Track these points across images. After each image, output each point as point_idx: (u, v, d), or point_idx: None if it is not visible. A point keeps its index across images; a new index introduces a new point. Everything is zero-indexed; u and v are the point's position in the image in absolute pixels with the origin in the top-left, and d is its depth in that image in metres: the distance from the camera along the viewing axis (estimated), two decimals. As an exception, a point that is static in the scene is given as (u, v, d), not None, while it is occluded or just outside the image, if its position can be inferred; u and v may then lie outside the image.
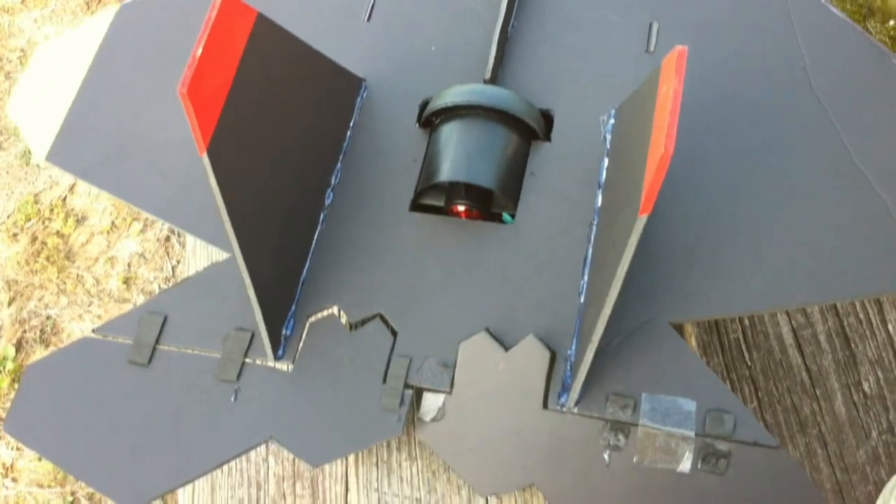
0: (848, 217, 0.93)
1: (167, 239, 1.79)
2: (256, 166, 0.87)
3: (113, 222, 1.81)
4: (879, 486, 1.07)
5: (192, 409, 0.90)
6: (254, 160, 0.86)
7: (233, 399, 0.90)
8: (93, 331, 0.94)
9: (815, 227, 0.93)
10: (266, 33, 0.88)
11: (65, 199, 1.85)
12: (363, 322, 0.93)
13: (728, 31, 1.05)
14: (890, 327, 1.19)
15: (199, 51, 0.77)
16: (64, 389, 0.92)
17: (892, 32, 1.93)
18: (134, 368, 0.92)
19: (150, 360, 0.92)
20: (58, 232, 1.80)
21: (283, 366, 0.91)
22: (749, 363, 1.18)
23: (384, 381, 0.89)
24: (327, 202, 0.99)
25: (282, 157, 0.92)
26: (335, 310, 0.94)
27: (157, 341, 0.93)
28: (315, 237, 0.97)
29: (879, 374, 1.16)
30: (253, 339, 0.92)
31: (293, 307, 0.94)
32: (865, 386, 1.15)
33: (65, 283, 1.75)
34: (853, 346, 1.18)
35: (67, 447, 0.90)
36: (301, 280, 0.95)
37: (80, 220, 1.82)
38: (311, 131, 0.98)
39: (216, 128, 0.79)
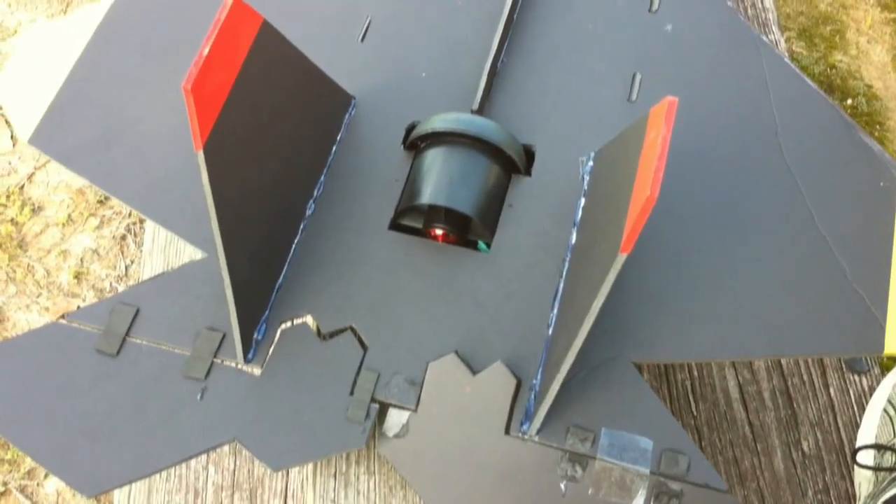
0: (807, 279, 0.97)
1: (123, 238, 1.77)
2: (247, 168, 0.88)
3: (69, 216, 1.79)
4: (812, 543, 1.10)
5: (156, 404, 0.89)
6: (244, 162, 0.87)
7: (199, 397, 0.90)
8: (62, 317, 0.94)
9: (775, 285, 0.96)
10: (269, 40, 0.89)
11: (23, 187, 1.83)
12: (335, 333, 0.93)
13: (706, 90, 1.09)
14: (831, 391, 1.22)
15: (207, 49, 0.78)
16: (28, 372, 0.91)
17: (849, 111, 2.00)
18: (101, 358, 0.92)
19: (118, 351, 0.92)
20: (12, 219, 1.78)
21: (252, 369, 0.91)
22: (695, 413, 1.20)
23: (351, 392, 0.90)
24: (308, 212, 1.00)
25: (271, 161, 0.93)
26: (308, 319, 0.94)
27: (127, 332, 0.92)
28: (294, 245, 0.98)
29: (819, 435, 1.19)
30: (224, 340, 0.92)
31: (267, 312, 0.94)
32: (805, 445, 1.18)
33: (15, 271, 1.72)
34: (795, 405, 1.21)
35: (27, 429, 0.88)
36: (277, 286, 0.95)
37: (35, 210, 1.80)
38: (299, 141, 0.99)
39: (214, 126, 0.80)
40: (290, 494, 1.15)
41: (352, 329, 0.93)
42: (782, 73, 1.10)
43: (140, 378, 0.91)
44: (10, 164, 1.85)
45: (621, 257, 0.74)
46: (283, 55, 0.93)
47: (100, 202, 1.79)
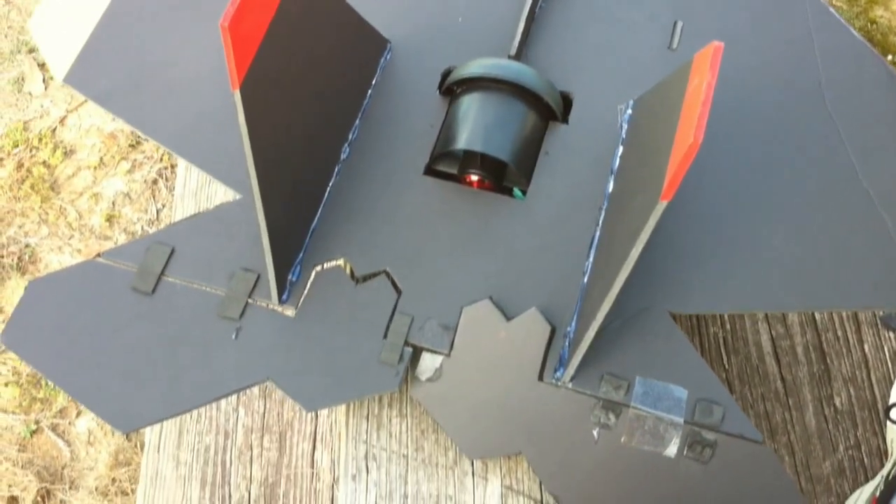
0: (848, 232, 0.95)
1: (154, 182, 1.78)
2: (282, 110, 0.87)
3: (101, 159, 1.80)
4: (842, 498, 1.10)
5: (191, 343, 0.90)
6: (280, 103, 0.86)
7: (233, 337, 0.90)
8: (98, 255, 0.94)
9: (815, 238, 0.95)
10: None
11: (55, 130, 1.83)
12: (369, 277, 0.93)
13: (749, 40, 1.07)
14: (866, 347, 1.21)
15: (245, -14, 0.77)
16: (64, 308, 0.92)
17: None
18: (137, 296, 0.92)
19: (153, 290, 0.92)
20: (44, 162, 1.78)
21: (287, 310, 0.92)
22: (726, 366, 1.20)
23: (385, 336, 0.90)
24: (343, 156, 1.00)
25: (306, 104, 0.92)
26: (342, 262, 0.94)
27: (162, 272, 0.93)
28: (328, 189, 0.98)
29: (852, 391, 1.18)
30: (258, 281, 0.92)
31: (301, 254, 0.94)
32: (837, 401, 1.18)
33: (47, 213, 1.73)
34: (829, 361, 1.21)
35: (62, 364, 0.89)
36: (311, 229, 0.95)
37: (67, 153, 1.80)
38: (335, 84, 0.98)
39: (250, 66, 0.79)
40: (318, 437, 1.16)
41: (386, 273, 0.93)
42: (827, 24, 1.08)
43: (175, 316, 0.91)
44: (42, 106, 1.85)
45: (662, 204, 0.74)
46: (321, -5, 0.92)
47: (131, 146, 1.79)
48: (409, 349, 0.89)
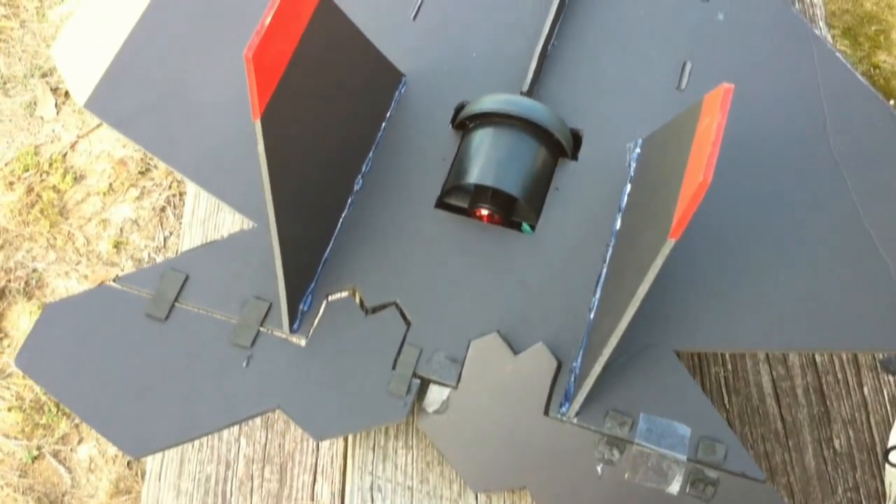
0: (850, 274, 0.97)
1: (163, 209, 1.79)
2: (300, 141, 0.88)
3: (111, 185, 1.81)
4: (840, 540, 1.10)
5: (203, 369, 0.91)
6: (298, 134, 0.88)
7: (245, 364, 0.91)
8: (114, 280, 0.95)
9: (818, 279, 0.96)
10: (327, 13, 0.90)
11: (65, 155, 1.85)
12: (379, 308, 0.94)
13: (756, 81, 1.09)
14: (865, 390, 1.22)
15: (269, 19, 0.78)
16: (79, 332, 0.93)
17: (891, 112, 1.98)
18: (150, 322, 0.93)
19: (167, 316, 0.93)
20: (54, 187, 1.80)
21: (297, 339, 0.92)
22: (727, 406, 1.20)
23: (394, 367, 0.91)
24: (356, 188, 1.01)
25: (323, 136, 0.94)
26: (353, 292, 0.95)
27: (176, 298, 0.94)
28: (341, 220, 0.99)
29: (851, 433, 1.19)
30: (270, 310, 0.93)
31: (313, 284, 0.95)
32: (836, 443, 1.18)
33: (55, 238, 1.74)
34: (828, 403, 1.21)
35: (75, 388, 0.90)
36: (323, 259, 0.96)
37: (77, 179, 1.82)
38: (351, 116, 1.00)
39: (272, 96, 0.81)
40: (319, 470, 1.16)
41: (396, 304, 0.94)
42: (833, 67, 1.10)
43: (188, 343, 0.92)
44: (53, 131, 1.87)
45: (670, 242, 0.75)
46: (340, 29, 0.94)
47: (140, 173, 1.80)
48: (417, 381, 0.90)
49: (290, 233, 0.88)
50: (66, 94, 1.92)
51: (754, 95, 1.08)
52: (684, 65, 1.10)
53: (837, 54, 1.11)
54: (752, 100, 1.07)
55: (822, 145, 1.05)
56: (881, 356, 1.23)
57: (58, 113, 1.91)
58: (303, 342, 0.92)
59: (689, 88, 1.09)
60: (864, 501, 1.13)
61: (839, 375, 1.23)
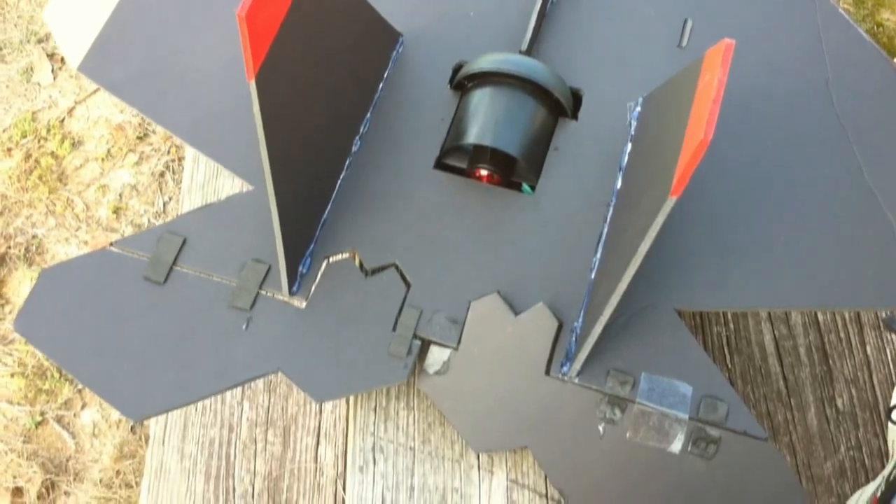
0: (853, 231, 0.96)
1: (161, 174, 1.78)
2: (296, 101, 0.88)
3: (109, 150, 1.80)
4: (843, 498, 1.10)
5: (202, 332, 0.91)
6: (295, 94, 0.87)
7: (244, 327, 0.91)
8: (111, 244, 0.95)
9: (821, 237, 0.96)
10: None
11: (63, 120, 1.84)
12: (378, 269, 0.94)
13: (757, 39, 1.08)
14: (868, 349, 1.22)
15: (262, -23, 0.77)
16: (77, 296, 0.93)
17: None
18: (148, 285, 0.93)
19: (165, 279, 0.93)
20: (52, 153, 1.79)
21: (297, 302, 0.92)
22: (729, 366, 1.20)
23: (394, 328, 0.90)
24: (354, 149, 1.00)
25: (319, 96, 0.93)
26: (352, 254, 0.95)
27: (174, 262, 0.93)
28: (339, 181, 0.98)
29: (853, 392, 1.19)
30: (269, 272, 0.93)
31: (312, 246, 0.95)
32: (839, 402, 1.18)
33: (55, 204, 1.74)
34: (831, 362, 1.21)
35: (74, 351, 0.90)
36: (322, 221, 0.96)
37: (76, 144, 1.81)
38: (348, 77, 0.99)
39: (266, 56, 0.80)
40: (322, 432, 1.16)
41: (395, 266, 0.94)
42: (836, 24, 1.08)
43: (186, 306, 0.92)
44: (50, 97, 1.86)
45: (671, 200, 0.74)
46: (335, -12, 0.93)
47: (139, 138, 1.79)
48: (418, 342, 0.90)
49: (288, 194, 0.88)
50: (63, 59, 1.91)
51: (756, 52, 1.06)
52: (685, 22, 1.09)
53: (841, 11, 1.10)
54: (753, 57, 1.06)
55: (824, 102, 1.03)
56: (884, 314, 1.23)
57: (55, 79, 1.89)
58: (302, 304, 0.92)
59: (691, 46, 1.07)
60: (866, 460, 1.13)
61: (842, 334, 1.23)
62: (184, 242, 0.94)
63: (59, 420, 1.56)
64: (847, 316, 1.24)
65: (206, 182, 1.33)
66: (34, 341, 0.91)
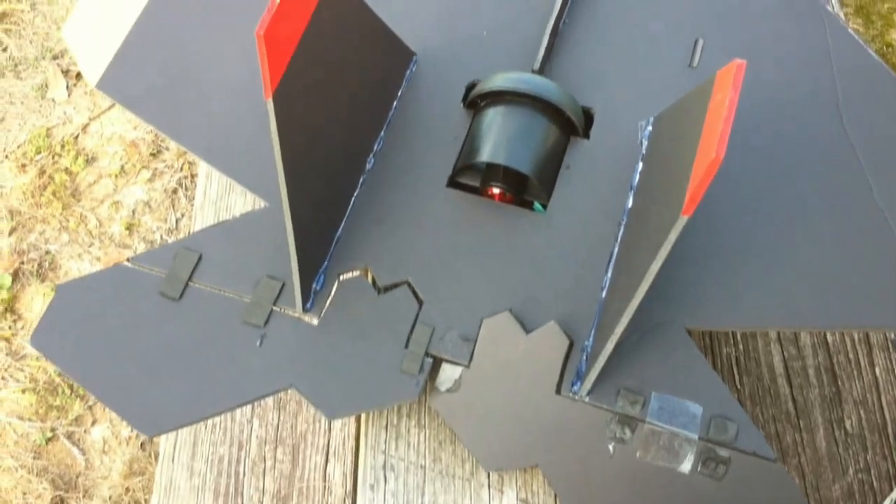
0: (862, 251, 0.96)
1: (174, 191, 1.79)
2: (312, 119, 0.89)
3: (122, 167, 1.82)
4: (851, 520, 1.10)
5: (216, 348, 0.91)
6: (311, 112, 0.88)
7: (258, 343, 0.91)
8: (128, 260, 0.96)
9: (830, 257, 0.96)
10: None
11: (77, 137, 1.85)
12: (391, 287, 0.94)
13: (768, 59, 1.08)
14: (877, 370, 1.22)
15: (279, -3, 0.78)
16: (93, 312, 0.93)
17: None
18: (164, 301, 0.93)
19: (181, 296, 0.94)
20: (66, 169, 1.80)
21: (310, 318, 0.93)
22: (738, 387, 1.20)
23: (406, 346, 0.91)
24: (368, 167, 1.01)
25: (335, 114, 0.94)
26: (364, 272, 0.95)
27: (190, 277, 0.94)
28: (353, 199, 0.99)
29: (862, 414, 1.18)
30: (283, 289, 0.93)
31: (326, 263, 0.95)
32: (848, 424, 1.18)
33: (68, 220, 1.75)
34: (840, 383, 1.21)
35: (90, 367, 0.91)
36: (336, 238, 0.97)
37: (89, 160, 1.82)
38: (362, 95, 1.00)
39: (283, 74, 0.81)
40: (331, 451, 1.16)
41: (408, 283, 0.94)
42: (846, 44, 1.09)
43: (201, 322, 0.93)
44: (64, 113, 1.87)
45: (682, 219, 0.74)
46: (351, 6, 0.94)
47: (152, 155, 1.81)
48: (430, 359, 0.90)
49: (303, 212, 0.88)
50: (78, 76, 1.93)
51: (767, 72, 1.07)
52: (696, 42, 1.10)
53: (850, 31, 1.11)
54: (764, 77, 1.07)
55: (834, 122, 1.04)
56: (893, 335, 1.23)
57: (69, 95, 1.91)
58: (315, 321, 0.93)
59: (702, 66, 1.08)
60: (875, 482, 1.13)
61: (850, 355, 1.23)
62: (199, 258, 0.95)
63: (69, 436, 1.56)
64: (856, 336, 1.23)
65: (219, 198, 1.34)
66: (50, 356, 0.91)
